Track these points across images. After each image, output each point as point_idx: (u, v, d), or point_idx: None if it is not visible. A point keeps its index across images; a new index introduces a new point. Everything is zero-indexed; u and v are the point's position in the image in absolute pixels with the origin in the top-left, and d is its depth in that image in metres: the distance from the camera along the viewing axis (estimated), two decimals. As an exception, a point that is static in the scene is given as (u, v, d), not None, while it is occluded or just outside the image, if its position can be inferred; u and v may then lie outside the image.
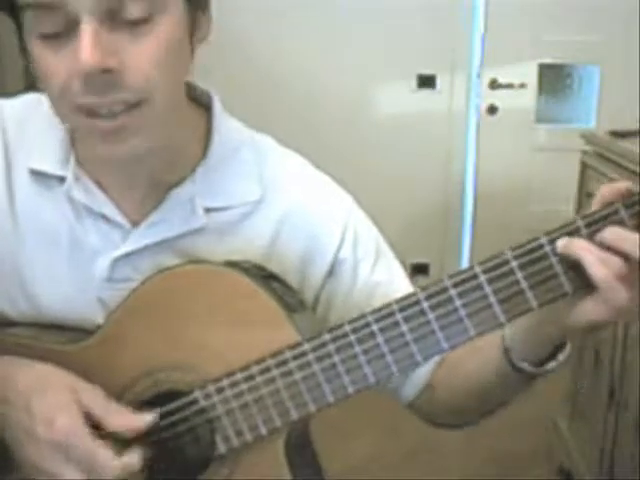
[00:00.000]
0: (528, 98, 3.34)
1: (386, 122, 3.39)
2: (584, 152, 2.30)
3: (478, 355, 0.89)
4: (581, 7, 3.21)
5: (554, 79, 3.41)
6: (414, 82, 3.37)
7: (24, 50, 0.78)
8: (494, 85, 3.34)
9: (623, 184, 0.73)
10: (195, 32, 0.82)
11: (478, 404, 0.94)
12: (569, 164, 2.45)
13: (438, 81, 3.37)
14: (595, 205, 0.74)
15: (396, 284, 0.95)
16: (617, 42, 3.18)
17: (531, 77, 3.33)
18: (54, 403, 0.79)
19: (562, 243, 0.73)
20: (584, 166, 2.29)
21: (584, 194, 2.29)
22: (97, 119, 0.76)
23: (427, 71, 3.35)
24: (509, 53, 3.29)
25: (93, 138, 0.79)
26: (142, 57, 0.75)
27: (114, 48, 0.74)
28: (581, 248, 0.72)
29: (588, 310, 0.74)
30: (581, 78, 3.42)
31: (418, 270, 3.46)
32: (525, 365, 0.82)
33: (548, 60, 3.33)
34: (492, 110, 3.37)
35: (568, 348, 0.82)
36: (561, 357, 0.83)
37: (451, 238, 3.52)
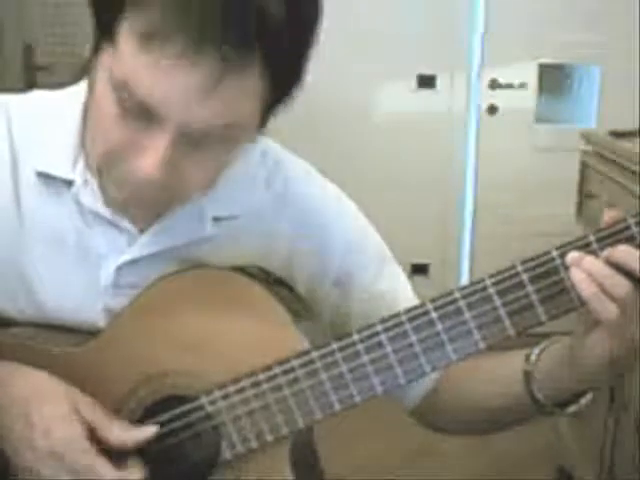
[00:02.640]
0: (528, 98, 3.34)
1: (386, 122, 3.38)
2: (584, 152, 2.29)
3: (490, 375, 0.90)
4: (581, 7, 3.21)
5: (554, 79, 3.41)
6: (414, 82, 3.36)
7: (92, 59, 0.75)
8: (494, 85, 3.34)
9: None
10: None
11: (483, 422, 0.94)
12: (569, 164, 2.44)
13: (438, 81, 3.36)
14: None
15: (400, 292, 0.95)
16: (617, 42, 3.18)
17: (531, 77, 3.33)
18: (54, 413, 0.78)
19: (570, 257, 0.74)
20: (584, 166, 2.29)
21: (584, 194, 2.29)
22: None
23: (427, 71, 3.35)
24: (509, 53, 3.29)
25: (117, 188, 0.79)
26: (200, 174, 0.76)
27: (179, 162, 0.74)
28: (572, 263, 0.73)
29: (594, 342, 0.75)
30: (581, 78, 3.42)
31: (418, 270, 3.45)
32: (545, 402, 0.83)
33: (548, 60, 3.33)
34: (492, 110, 3.37)
35: (590, 395, 0.83)
36: (583, 401, 0.83)
37: (451, 238, 3.51)
